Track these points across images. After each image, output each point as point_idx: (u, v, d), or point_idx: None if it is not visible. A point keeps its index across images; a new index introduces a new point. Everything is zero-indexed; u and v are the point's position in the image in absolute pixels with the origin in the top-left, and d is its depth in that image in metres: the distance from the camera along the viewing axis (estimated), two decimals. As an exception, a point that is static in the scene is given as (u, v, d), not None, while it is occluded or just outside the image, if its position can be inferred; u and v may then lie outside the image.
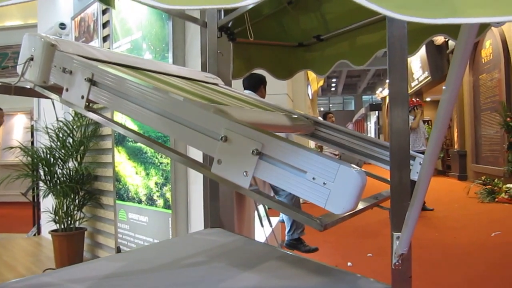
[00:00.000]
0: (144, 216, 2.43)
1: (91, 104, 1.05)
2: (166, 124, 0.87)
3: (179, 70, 1.41)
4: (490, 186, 6.80)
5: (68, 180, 2.86)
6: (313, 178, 0.70)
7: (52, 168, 2.85)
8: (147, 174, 2.41)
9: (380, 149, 1.33)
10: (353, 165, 0.70)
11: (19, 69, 1.09)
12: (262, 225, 2.34)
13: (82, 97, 1.00)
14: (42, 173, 2.96)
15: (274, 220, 4.09)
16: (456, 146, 10.17)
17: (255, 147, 0.75)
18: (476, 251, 4.00)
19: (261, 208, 2.47)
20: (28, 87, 1.11)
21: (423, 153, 1.03)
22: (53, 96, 1.07)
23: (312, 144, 6.46)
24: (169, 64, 1.49)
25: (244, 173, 0.77)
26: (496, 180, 6.91)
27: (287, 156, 0.73)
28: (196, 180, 2.22)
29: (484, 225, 4.96)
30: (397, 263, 0.92)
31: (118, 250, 1.35)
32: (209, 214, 1.94)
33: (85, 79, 0.99)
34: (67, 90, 1.04)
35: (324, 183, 0.69)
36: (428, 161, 0.74)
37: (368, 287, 0.96)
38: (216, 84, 1.55)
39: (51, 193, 2.84)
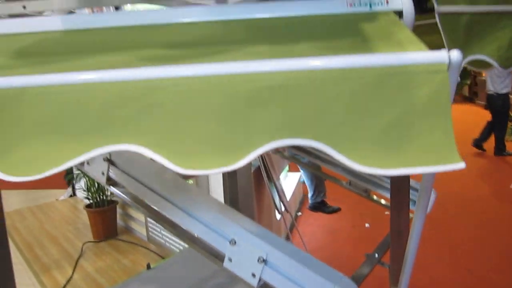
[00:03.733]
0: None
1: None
2: (180, 216, 0.95)
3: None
4: (517, 121, 6.66)
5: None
6: (311, 294, 0.79)
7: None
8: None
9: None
10: (346, 279, 0.78)
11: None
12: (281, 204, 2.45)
13: (103, 173, 1.08)
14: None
15: (294, 175, 4.24)
16: (483, 74, 9.85)
17: (261, 255, 0.84)
18: (493, 206, 4.04)
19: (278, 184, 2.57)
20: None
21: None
22: (78, 165, 1.15)
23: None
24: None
25: (252, 275, 0.86)
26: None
27: (287, 269, 0.81)
28: (217, 174, 2.33)
29: (506, 172, 4.95)
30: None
31: (148, 266, 1.50)
32: (228, 197, 2.07)
33: (103, 159, 1.06)
34: (88, 163, 1.12)
35: (320, 299, 0.78)
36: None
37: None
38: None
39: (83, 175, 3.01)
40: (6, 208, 3.65)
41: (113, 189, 1.10)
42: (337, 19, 0.85)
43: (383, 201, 1.42)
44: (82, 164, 1.14)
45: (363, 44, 0.74)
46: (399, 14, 0.87)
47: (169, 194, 0.97)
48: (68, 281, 2.43)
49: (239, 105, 0.60)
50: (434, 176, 0.79)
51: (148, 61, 0.75)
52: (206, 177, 2.39)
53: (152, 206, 1.01)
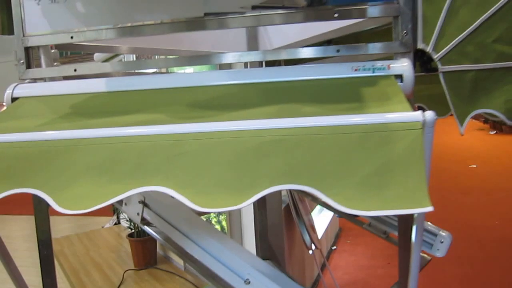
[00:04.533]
0: (205, 235, 2.71)
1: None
2: (202, 255, 1.06)
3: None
4: None
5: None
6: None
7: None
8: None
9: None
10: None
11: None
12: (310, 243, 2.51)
13: (138, 214, 1.22)
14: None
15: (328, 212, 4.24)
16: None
17: (271, 295, 0.93)
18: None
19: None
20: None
21: None
22: (117, 205, 1.30)
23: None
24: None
25: (265, 313, 0.95)
26: None
27: (296, 309, 0.90)
28: (248, 211, 2.43)
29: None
30: None
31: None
32: (259, 233, 2.15)
33: (138, 201, 1.20)
34: (125, 204, 1.26)
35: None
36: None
37: None
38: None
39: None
40: (57, 234, 3.92)
41: (146, 228, 1.23)
42: (343, 82, 0.95)
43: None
44: (121, 204, 1.28)
45: (359, 105, 0.85)
46: (400, 77, 0.96)
47: (193, 235, 1.08)
48: (109, 307, 2.57)
49: (247, 155, 0.73)
50: (424, 215, 0.87)
51: (177, 118, 0.89)
52: (239, 212, 2.51)
53: (179, 245, 1.12)
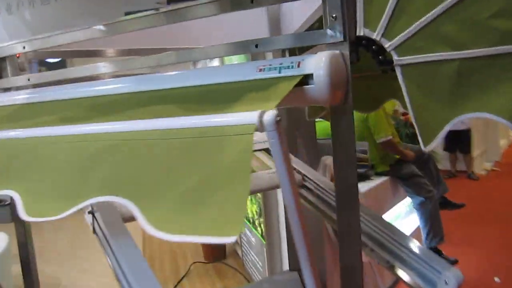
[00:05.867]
0: (252, 236, 2.62)
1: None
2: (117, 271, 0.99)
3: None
4: None
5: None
6: None
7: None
8: (250, 199, 2.55)
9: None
10: None
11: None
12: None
13: (90, 224, 1.19)
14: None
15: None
16: None
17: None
18: None
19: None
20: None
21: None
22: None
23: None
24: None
25: None
26: None
27: None
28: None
29: None
30: None
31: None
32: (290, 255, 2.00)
33: (88, 212, 1.16)
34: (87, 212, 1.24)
35: None
36: None
37: None
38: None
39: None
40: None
41: (97, 239, 1.19)
42: (241, 86, 0.79)
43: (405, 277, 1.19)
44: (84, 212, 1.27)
45: (227, 107, 0.70)
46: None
47: (117, 252, 1.02)
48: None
49: (82, 161, 0.68)
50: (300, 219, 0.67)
51: (59, 122, 0.86)
52: (276, 216, 2.35)
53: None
